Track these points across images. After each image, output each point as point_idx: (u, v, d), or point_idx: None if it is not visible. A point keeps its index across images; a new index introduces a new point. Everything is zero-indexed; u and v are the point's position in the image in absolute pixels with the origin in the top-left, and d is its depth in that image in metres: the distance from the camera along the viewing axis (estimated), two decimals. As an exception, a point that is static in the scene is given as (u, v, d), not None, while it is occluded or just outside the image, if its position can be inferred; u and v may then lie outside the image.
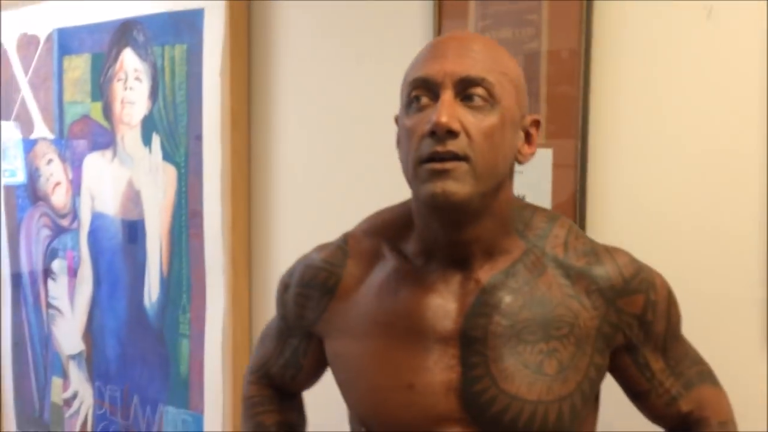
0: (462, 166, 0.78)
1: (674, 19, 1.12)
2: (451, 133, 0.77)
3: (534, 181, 1.24)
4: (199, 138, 1.66)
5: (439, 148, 0.77)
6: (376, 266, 0.92)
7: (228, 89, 1.60)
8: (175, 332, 1.76)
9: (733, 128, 1.08)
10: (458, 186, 0.78)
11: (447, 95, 0.78)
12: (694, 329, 1.12)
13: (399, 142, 0.87)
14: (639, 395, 0.91)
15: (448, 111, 0.77)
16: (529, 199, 1.25)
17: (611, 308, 0.85)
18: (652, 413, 0.92)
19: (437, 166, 0.78)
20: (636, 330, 0.87)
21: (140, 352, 1.86)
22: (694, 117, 1.11)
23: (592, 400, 0.88)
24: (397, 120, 0.89)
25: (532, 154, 0.88)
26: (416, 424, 0.83)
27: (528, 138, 0.87)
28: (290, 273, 1.00)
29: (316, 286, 0.95)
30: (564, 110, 1.20)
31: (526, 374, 0.81)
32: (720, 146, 1.10)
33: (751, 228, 1.07)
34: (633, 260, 0.88)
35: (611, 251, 0.88)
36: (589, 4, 1.16)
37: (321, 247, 0.98)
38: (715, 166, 1.10)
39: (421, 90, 0.81)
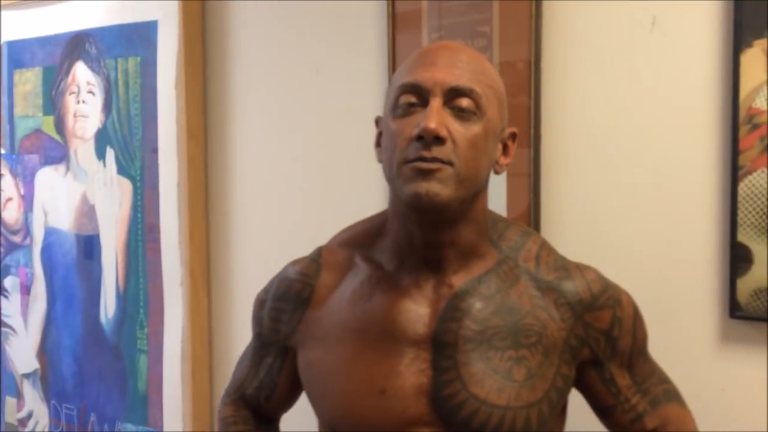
0: (447, 169, 0.81)
1: (621, 29, 1.15)
2: (438, 140, 0.80)
3: (489, 190, 1.26)
4: (155, 151, 1.65)
5: (426, 153, 0.80)
6: (348, 275, 0.93)
7: (183, 101, 1.59)
8: (132, 348, 1.74)
9: (682, 136, 1.11)
10: (441, 187, 0.80)
11: (436, 102, 0.81)
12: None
13: (380, 143, 0.90)
14: (605, 411, 0.93)
15: (436, 118, 0.80)
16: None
17: (579, 322, 0.88)
18: (616, 429, 0.94)
19: (423, 165, 0.80)
20: (602, 345, 0.89)
21: (97, 369, 1.83)
22: (643, 125, 1.14)
23: (558, 410, 0.89)
24: (378, 122, 0.92)
25: (508, 165, 0.92)
26: (387, 428, 0.84)
27: (505, 149, 0.91)
28: (266, 289, 1.02)
29: (290, 298, 0.96)
30: (517, 120, 1.22)
31: (495, 379, 0.83)
32: (669, 154, 1.13)
33: (703, 236, 1.10)
34: (601, 278, 0.91)
35: (581, 268, 0.92)
36: (538, 13, 1.19)
37: (295, 261, 0.99)
38: (665, 174, 1.13)
39: (410, 95, 0.83)
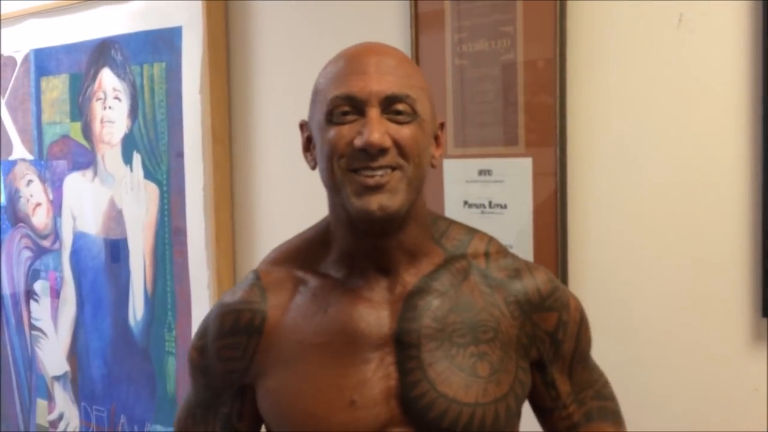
0: (395, 174, 0.81)
1: (647, 27, 1.14)
2: (383, 151, 0.80)
3: (516, 189, 1.26)
4: (180, 155, 1.66)
5: (372, 164, 0.80)
6: (297, 292, 0.90)
7: (208, 105, 1.60)
8: (161, 350, 1.76)
9: (712, 134, 1.10)
10: (392, 199, 0.80)
11: (374, 113, 0.81)
12: (678, 331, 1.14)
13: (308, 148, 0.90)
14: (543, 411, 0.94)
15: (378, 129, 0.80)
16: (511, 208, 1.27)
17: (528, 321, 0.88)
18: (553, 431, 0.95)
19: (370, 181, 0.80)
20: (547, 347, 0.89)
21: (126, 371, 1.86)
22: (671, 123, 1.13)
23: (522, 403, 0.89)
24: (303, 126, 0.92)
25: (441, 156, 0.92)
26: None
27: (437, 141, 0.90)
28: (201, 334, 0.94)
29: (241, 331, 0.90)
30: (542, 119, 1.22)
31: (461, 377, 0.82)
32: (699, 153, 1.11)
33: (735, 235, 1.09)
34: (552, 279, 0.91)
35: (531, 267, 0.91)
36: (562, 13, 1.18)
37: (232, 292, 0.94)
38: (695, 173, 1.12)
39: (345, 106, 0.82)
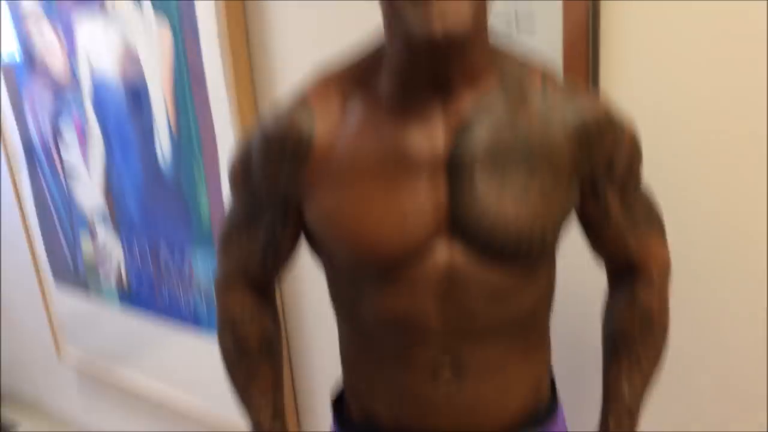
0: None
1: None
2: None
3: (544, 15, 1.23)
4: (187, -8, 1.63)
5: None
6: (347, 113, 0.87)
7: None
8: (192, 182, 1.84)
9: None
10: (458, 8, 0.72)
11: None
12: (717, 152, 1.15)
13: None
14: (590, 225, 0.96)
15: None
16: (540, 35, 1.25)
17: (583, 142, 0.88)
18: (598, 248, 0.98)
19: None
20: (602, 168, 0.90)
21: (161, 203, 1.95)
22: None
23: (568, 222, 0.91)
24: None
25: None
26: (408, 248, 0.85)
27: None
28: (245, 153, 0.93)
29: (288, 157, 0.88)
30: None
31: (511, 194, 0.83)
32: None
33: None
34: (608, 102, 0.90)
35: (587, 91, 0.90)
36: None
37: (277, 115, 0.89)
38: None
39: None
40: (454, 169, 0.84)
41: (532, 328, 0.96)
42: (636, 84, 1.18)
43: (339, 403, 1.11)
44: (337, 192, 0.87)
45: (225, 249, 1.02)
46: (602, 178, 0.92)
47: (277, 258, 1.00)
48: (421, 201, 0.85)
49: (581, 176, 0.90)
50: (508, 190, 0.84)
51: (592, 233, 0.98)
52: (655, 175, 1.21)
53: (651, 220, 0.98)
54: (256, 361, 1.07)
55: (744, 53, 1.09)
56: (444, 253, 0.86)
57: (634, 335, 1.00)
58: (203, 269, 1.93)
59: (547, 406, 1.03)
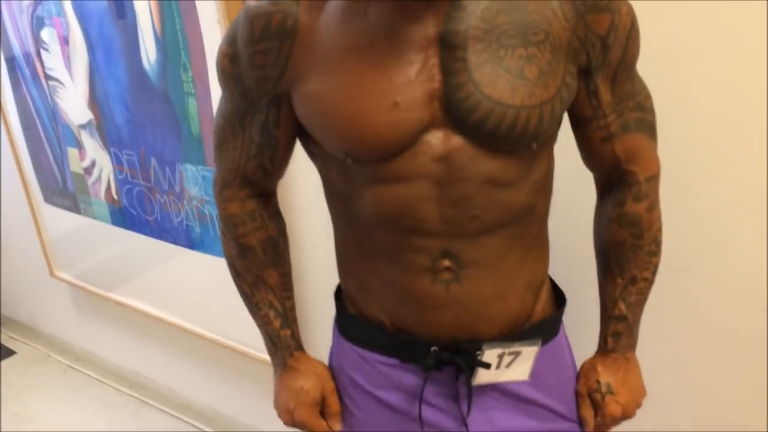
0: None
1: None
2: None
3: None
4: None
5: None
6: None
7: None
8: (180, 92, 1.76)
9: None
10: None
11: None
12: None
13: None
14: (581, 123, 0.92)
15: None
16: None
17: (581, 22, 0.83)
18: (588, 148, 0.94)
19: None
20: (597, 52, 0.85)
21: (149, 115, 1.87)
22: None
23: (567, 107, 0.87)
24: None
25: None
26: (401, 138, 0.82)
27: None
28: (231, 41, 0.90)
29: (273, 35, 0.85)
30: None
31: (508, 79, 0.80)
32: None
33: None
34: None
35: None
36: None
37: None
38: None
39: None
40: (447, 52, 0.80)
41: (531, 223, 0.92)
42: None
43: (339, 299, 1.08)
44: (325, 80, 0.84)
45: (221, 152, 0.99)
46: (596, 69, 0.86)
47: (274, 162, 0.97)
48: (414, 90, 0.81)
49: (578, 63, 0.85)
50: (505, 74, 0.80)
51: (581, 135, 0.94)
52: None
53: (642, 122, 0.92)
54: (260, 265, 1.03)
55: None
56: (439, 143, 0.83)
57: (625, 249, 0.96)
58: (194, 183, 1.86)
59: (551, 318, 1.00)
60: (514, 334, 0.95)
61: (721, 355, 1.29)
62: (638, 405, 1.02)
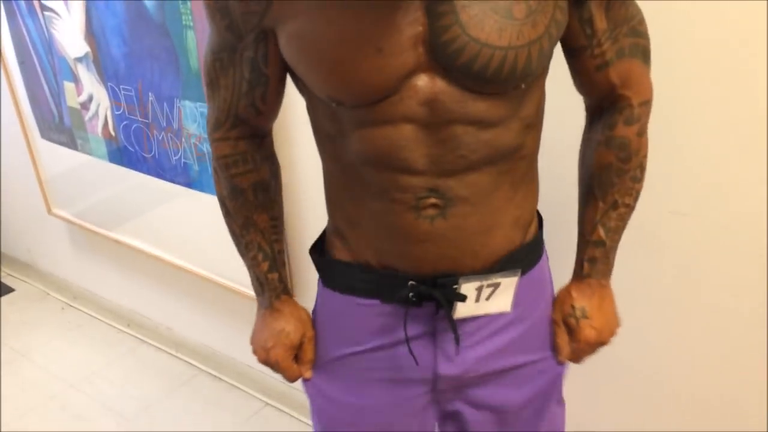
0: None
1: None
2: None
3: None
4: None
5: None
6: None
7: None
8: (178, 24, 1.71)
9: None
10: None
11: None
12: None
13: None
14: (575, 52, 0.90)
15: None
16: None
17: None
18: (582, 76, 0.92)
19: None
20: None
21: (147, 48, 1.83)
22: None
23: (556, 43, 0.86)
24: None
25: None
26: (387, 85, 0.81)
27: None
28: None
29: None
30: None
31: (495, 20, 0.77)
32: None
33: None
34: None
35: None
36: None
37: None
38: None
39: None
40: None
41: (519, 160, 0.91)
42: None
43: (319, 250, 1.07)
44: (308, 22, 0.81)
45: (212, 90, 0.97)
46: None
47: (266, 100, 0.95)
48: (398, 35, 0.78)
49: None
50: (492, 14, 0.77)
51: (575, 64, 0.92)
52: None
53: (637, 47, 0.91)
54: (251, 207, 1.02)
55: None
56: (426, 87, 0.81)
57: (610, 172, 0.96)
58: (192, 120, 1.83)
59: (530, 246, 0.99)
60: (517, 246, 0.96)
61: (719, 302, 1.29)
62: (612, 333, 1.02)
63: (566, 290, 1.03)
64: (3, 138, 2.68)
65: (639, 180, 0.97)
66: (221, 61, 0.93)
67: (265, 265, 1.05)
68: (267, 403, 2.22)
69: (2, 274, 3.13)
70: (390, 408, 1.04)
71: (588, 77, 0.92)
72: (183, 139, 1.89)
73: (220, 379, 2.35)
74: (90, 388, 2.37)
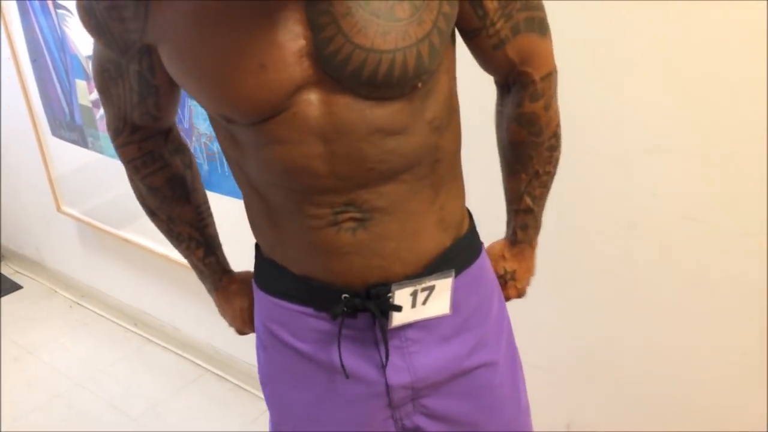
0: None
1: None
2: None
3: None
4: None
5: None
6: None
7: None
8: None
9: None
10: None
11: None
12: None
13: None
14: (470, 34, 0.88)
15: None
16: None
17: None
18: (482, 57, 0.91)
19: None
20: None
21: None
22: None
23: (448, 36, 0.82)
24: None
25: None
26: (276, 101, 0.78)
27: None
28: None
29: None
30: None
31: (378, 24, 0.74)
32: None
33: None
34: None
35: None
36: None
37: None
38: None
39: None
40: (312, 4, 0.75)
41: (436, 163, 0.88)
42: None
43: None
44: (188, 40, 0.77)
45: (105, 98, 0.94)
46: None
47: (160, 107, 0.93)
48: (281, 50, 0.75)
49: None
50: (374, 18, 0.74)
51: (472, 46, 0.90)
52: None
53: (531, 21, 0.88)
54: (171, 203, 1.03)
55: None
56: (319, 100, 0.78)
57: (526, 147, 0.97)
58: (203, 119, 1.83)
59: (461, 244, 0.96)
60: (446, 247, 0.93)
61: (727, 305, 1.28)
62: (529, 284, 1.09)
63: (500, 252, 1.06)
64: (14, 135, 2.69)
65: (555, 148, 0.98)
66: (108, 72, 0.90)
67: (200, 252, 1.07)
68: (273, 405, 2.22)
69: (10, 271, 3.14)
70: (350, 425, 0.99)
71: (487, 57, 0.90)
72: (193, 138, 1.89)
73: (226, 379, 2.35)
74: (96, 386, 2.37)
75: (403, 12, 0.75)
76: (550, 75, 0.93)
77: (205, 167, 1.91)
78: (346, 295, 0.89)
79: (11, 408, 2.28)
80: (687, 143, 1.20)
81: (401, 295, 0.89)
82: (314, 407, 0.99)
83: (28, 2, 2.17)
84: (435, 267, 0.91)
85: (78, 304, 2.85)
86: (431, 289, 0.91)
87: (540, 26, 0.89)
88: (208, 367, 2.41)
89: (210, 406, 2.24)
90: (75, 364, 2.48)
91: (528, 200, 1.01)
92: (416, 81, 0.79)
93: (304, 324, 0.95)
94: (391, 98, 0.79)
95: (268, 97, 0.77)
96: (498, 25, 0.86)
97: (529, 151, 0.97)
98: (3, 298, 2.92)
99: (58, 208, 2.60)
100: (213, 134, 1.83)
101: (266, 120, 0.79)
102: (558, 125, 0.97)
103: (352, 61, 0.75)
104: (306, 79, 0.77)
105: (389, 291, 0.89)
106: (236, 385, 2.32)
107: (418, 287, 0.90)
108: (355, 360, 0.93)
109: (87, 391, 2.34)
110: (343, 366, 0.92)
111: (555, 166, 1.00)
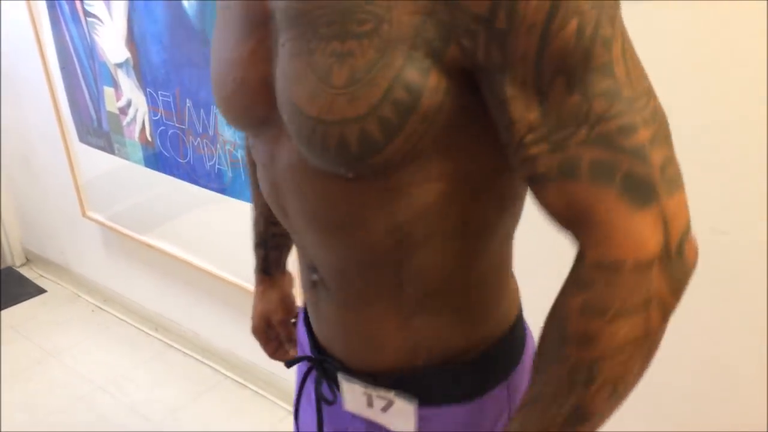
0: None
1: None
2: None
3: None
4: None
5: None
6: None
7: None
8: (218, 32, 1.73)
9: None
10: None
11: None
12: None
13: None
14: (504, 148, 0.59)
15: None
16: None
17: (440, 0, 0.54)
18: (534, 190, 0.59)
19: None
20: (481, 42, 0.53)
21: (186, 55, 1.86)
22: None
23: (403, 128, 0.57)
24: None
25: None
26: (243, 116, 0.71)
27: None
28: None
29: None
30: None
31: (311, 80, 0.59)
32: None
33: None
34: None
35: None
36: None
37: None
38: None
39: None
40: (275, 32, 0.64)
41: (406, 283, 0.68)
42: None
43: None
44: (213, 44, 0.75)
45: None
46: (495, 70, 0.54)
47: None
48: (247, 69, 0.67)
49: (445, 62, 0.55)
50: (311, 73, 0.59)
51: (514, 165, 0.59)
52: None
53: (603, 168, 0.53)
54: (257, 189, 1.05)
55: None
56: (268, 135, 0.70)
57: (547, 346, 0.60)
58: (228, 127, 1.85)
59: (436, 378, 0.75)
60: (417, 368, 0.74)
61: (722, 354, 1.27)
62: None
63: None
64: (41, 140, 2.73)
65: (591, 381, 0.57)
66: None
67: (257, 239, 1.08)
68: (291, 412, 2.22)
69: (34, 275, 3.18)
70: None
71: (541, 197, 0.58)
72: (218, 146, 1.91)
73: (245, 386, 2.36)
74: (117, 390, 2.38)
75: (339, 79, 0.57)
76: (616, 266, 0.54)
77: (229, 174, 1.93)
78: (310, 355, 0.84)
79: (34, 410, 2.30)
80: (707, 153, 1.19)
81: (350, 389, 0.78)
82: None
83: (58, 10, 2.20)
84: (395, 382, 0.75)
85: (100, 308, 2.88)
86: (390, 402, 0.75)
87: (628, 183, 0.53)
88: (228, 373, 2.42)
89: (229, 413, 2.25)
90: (97, 368, 2.50)
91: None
92: (342, 167, 0.61)
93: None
94: (340, 171, 0.62)
95: (241, 110, 0.70)
96: (531, 150, 0.55)
97: (552, 352, 0.59)
98: (27, 302, 2.95)
99: (84, 213, 2.63)
100: (237, 142, 1.85)
101: (253, 136, 0.74)
102: (603, 359, 0.56)
103: (285, 110, 0.63)
104: (266, 113, 0.68)
105: (337, 370, 0.79)
106: (255, 392, 2.33)
107: (372, 393, 0.75)
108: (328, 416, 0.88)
109: (108, 395, 2.36)
110: (297, 410, 0.94)
111: (588, 406, 0.58)
